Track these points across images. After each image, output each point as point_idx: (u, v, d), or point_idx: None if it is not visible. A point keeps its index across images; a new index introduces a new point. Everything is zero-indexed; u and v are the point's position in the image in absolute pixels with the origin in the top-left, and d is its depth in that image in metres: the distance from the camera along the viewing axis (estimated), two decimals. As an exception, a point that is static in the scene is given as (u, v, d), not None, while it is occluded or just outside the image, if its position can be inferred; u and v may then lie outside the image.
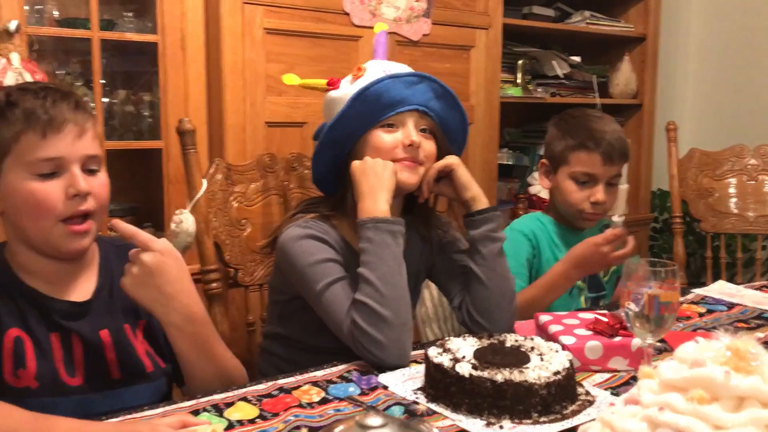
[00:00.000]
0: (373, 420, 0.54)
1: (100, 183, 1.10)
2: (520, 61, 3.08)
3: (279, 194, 1.69)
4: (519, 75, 3.08)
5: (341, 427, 0.54)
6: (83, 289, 1.14)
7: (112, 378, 1.13)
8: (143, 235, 1.09)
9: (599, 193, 1.70)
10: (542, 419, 1.03)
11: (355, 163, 1.37)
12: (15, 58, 1.91)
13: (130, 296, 1.09)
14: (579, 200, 1.70)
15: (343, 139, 1.41)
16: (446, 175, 1.43)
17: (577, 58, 3.35)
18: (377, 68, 1.43)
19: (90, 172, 1.09)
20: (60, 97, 1.08)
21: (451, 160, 1.42)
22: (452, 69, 2.67)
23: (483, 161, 2.80)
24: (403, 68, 1.46)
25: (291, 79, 1.57)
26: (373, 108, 1.36)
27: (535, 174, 2.91)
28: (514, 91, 3.01)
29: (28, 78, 1.90)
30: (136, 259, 1.08)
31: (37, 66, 1.97)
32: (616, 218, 1.70)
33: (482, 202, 1.43)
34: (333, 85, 1.48)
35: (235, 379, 1.19)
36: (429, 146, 1.41)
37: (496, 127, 2.84)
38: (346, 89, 1.43)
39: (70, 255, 1.10)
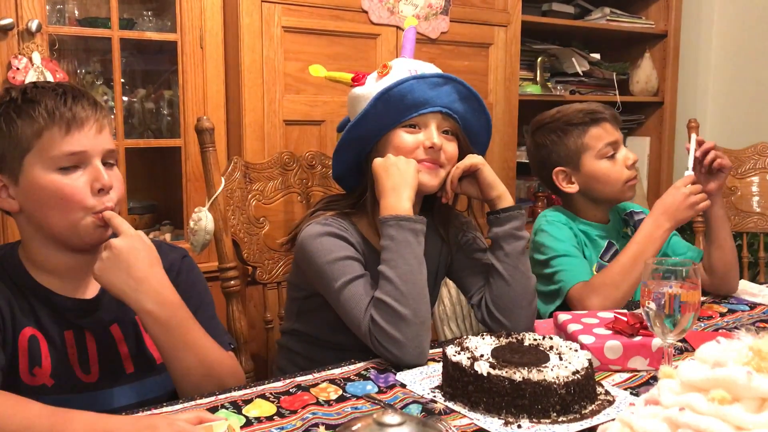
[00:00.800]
0: (391, 418, 0.54)
1: (117, 177, 1.13)
2: (539, 59, 3.06)
3: (297, 192, 1.69)
4: (538, 73, 3.06)
5: (359, 425, 0.54)
6: (93, 285, 1.15)
7: (125, 372, 1.15)
8: (117, 219, 1.08)
9: (630, 153, 1.68)
10: (561, 419, 1.02)
11: (378, 160, 1.37)
12: (36, 57, 1.93)
13: (99, 283, 1.08)
14: (619, 172, 1.66)
15: (364, 137, 1.41)
16: (470, 174, 1.43)
17: (596, 56, 3.32)
18: (403, 67, 1.43)
19: (108, 165, 1.12)
20: (79, 95, 1.10)
21: (476, 159, 1.41)
22: (471, 67, 2.66)
23: (502, 159, 2.79)
24: (430, 67, 1.45)
25: (317, 70, 1.57)
26: (396, 108, 1.36)
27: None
28: (533, 89, 3.00)
29: (50, 77, 1.92)
30: (107, 244, 1.07)
31: (58, 65, 2.00)
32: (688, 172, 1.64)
33: (507, 200, 1.42)
34: (358, 81, 1.47)
35: (221, 373, 1.14)
36: (451, 148, 1.41)
37: (515, 125, 2.82)
38: (371, 87, 1.43)
39: (93, 245, 1.11)
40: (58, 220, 1.07)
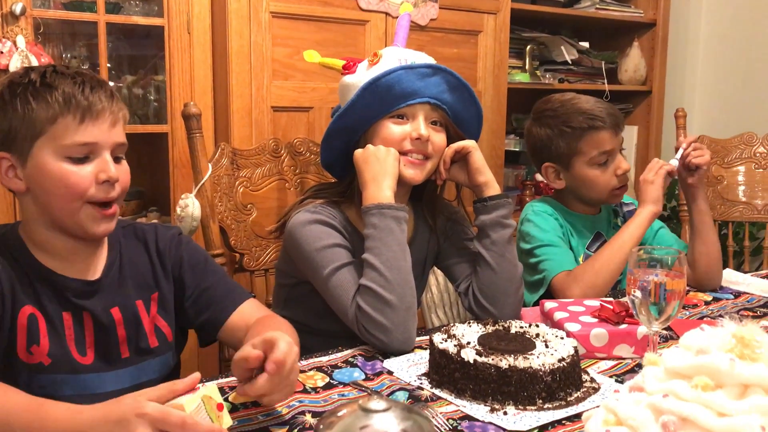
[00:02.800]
0: (376, 404, 0.54)
1: (125, 170, 1.13)
2: (528, 47, 3.06)
3: (285, 179, 1.69)
4: (527, 61, 3.05)
5: (344, 410, 0.54)
6: (95, 267, 1.15)
7: (120, 357, 1.15)
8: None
9: (622, 162, 1.68)
10: (546, 406, 1.03)
11: (358, 152, 1.37)
12: (21, 41, 1.91)
13: None
14: (607, 180, 1.66)
15: (352, 126, 1.40)
16: (461, 158, 1.43)
17: (585, 44, 3.32)
18: (393, 56, 1.42)
19: (116, 159, 1.11)
20: (97, 84, 1.09)
21: (469, 142, 1.42)
22: (460, 54, 2.65)
23: (490, 147, 2.79)
24: (421, 57, 1.44)
25: (312, 56, 1.56)
26: (383, 99, 1.36)
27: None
28: (522, 77, 2.99)
29: (34, 61, 1.90)
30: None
31: (43, 49, 1.97)
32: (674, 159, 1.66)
33: (494, 188, 1.42)
34: (349, 69, 1.46)
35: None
36: (439, 139, 1.41)
37: (504, 113, 2.82)
38: (361, 75, 1.42)
39: (94, 237, 1.11)
40: (60, 207, 1.07)
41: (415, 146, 1.38)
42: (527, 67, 3.05)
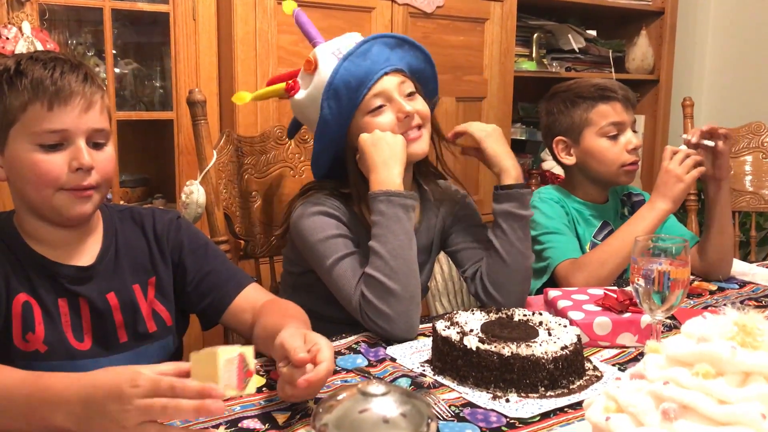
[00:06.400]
0: (376, 388, 0.54)
1: (105, 157, 1.09)
2: (535, 35, 3.04)
3: (289, 166, 1.69)
4: (534, 49, 3.04)
5: (344, 394, 0.55)
6: (89, 253, 1.15)
7: (119, 341, 1.15)
8: None
9: (633, 137, 1.67)
10: (549, 393, 1.03)
11: (365, 135, 1.34)
12: (26, 26, 1.90)
13: None
14: (617, 154, 1.65)
15: (334, 138, 1.38)
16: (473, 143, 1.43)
17: (593, 32, 3.30)
18: (326, 52, 1.38)
19: (96, 145, 1.08)
20: (69, 69, 1.06)
21: (478, 133, 1.42)
22: (466, 42, 2.64)
23: (496, 136, 2.78)
24: (351, 38, 1.40)
25: (241, 97, 1.53)
26: (348, 96, 1.33)
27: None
28: (528, 66, 2.98)
29: (40, 47, 1.90)
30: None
31: (48, 35, 1.97)
32: (685, 136, 1.60)
33: (510, 176, 1.41)
34: (291, 89, 1.42)
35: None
36: (420, 105, 1.39)
37: (510, 101, 2.81)
38: (307, 88, 1.39)
39: (72, 221, 1.10)
40: (34, 195, 1.06)
41: (406, 124, 1.36)
42: (534, 55, 3.03)
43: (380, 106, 1.35)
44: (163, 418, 0.80)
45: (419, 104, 1.38)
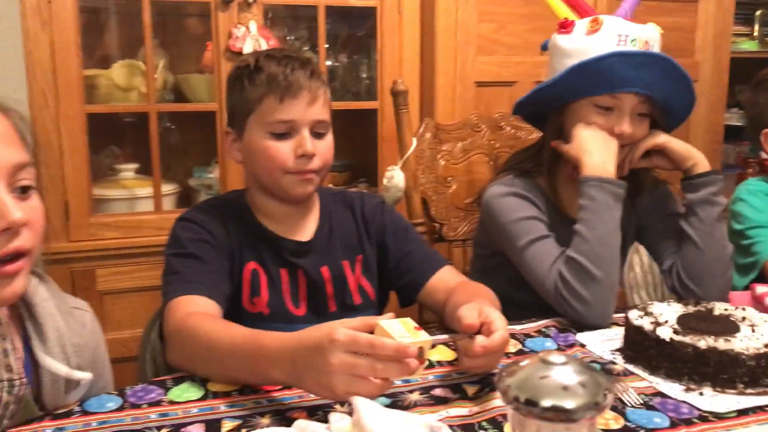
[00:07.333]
0: (556, 358, 0.57)
1: (325, 145, 1.24)
2: (758, 12, 2.80)
3: (484, 153, 1.73)
4: (756, 27, 2.80)
5: (526, 361, 0.59)
6: (307, 230, 1.29)
7: (329, 311, 1.27)
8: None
9: None
10: (748, 391, 0.98)
11: (583, 125, 1.35)
12: (253, 26, 2.12)
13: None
14: None
15: (552, 98, 1.40)
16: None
17: (829, 6, 2.97)
18: (613, 29, 1.32)
19: (318, 135, 1.22)
20: (299, 66, 1.21)
21: (659, 140, 1.37)
22: (676, 23, 2.49)
23: (707, 122, 2.61)
24: (643, 31, 1.34)
25: None
26: (591, 82, 1.32)
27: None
28: (748, 45, 2.76)
29: (264, 44, 2.11)
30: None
31: (270, 33, 2.18)
32: None
33: (703, 165, 1.36)
34: (566, 27, 1.37)
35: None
36: (640, 132, 1.36)
37: (725, 86, 2.62)
38: (576, 40, 1.34)
39: (296, 198, 1.24)
40: (265, 176, 1.22)
41: (618, 139, 1.35)
42: (756, 34, 2.79)
43: (608, 108, 1.34)
44: (370, 374, 0.84)
45: (640, 130, 1.36)
